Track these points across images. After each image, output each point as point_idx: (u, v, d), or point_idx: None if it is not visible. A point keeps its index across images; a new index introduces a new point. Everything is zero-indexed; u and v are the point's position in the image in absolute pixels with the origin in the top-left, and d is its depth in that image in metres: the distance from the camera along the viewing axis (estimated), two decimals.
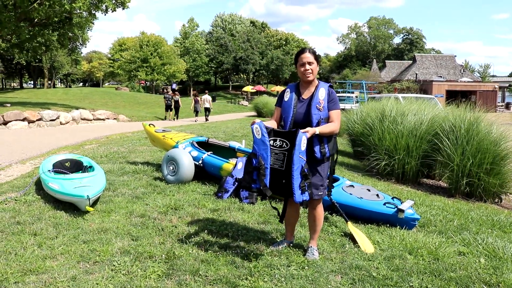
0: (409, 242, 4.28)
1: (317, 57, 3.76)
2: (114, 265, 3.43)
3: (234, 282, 3.19)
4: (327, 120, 3.65)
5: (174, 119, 26.06)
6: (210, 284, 3.17)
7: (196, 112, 26.15)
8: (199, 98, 26.40)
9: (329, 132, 3.61)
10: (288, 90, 3.83)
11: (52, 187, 5.07)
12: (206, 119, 25.53)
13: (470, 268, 3.71)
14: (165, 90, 33.34)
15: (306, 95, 3.74)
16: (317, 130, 3.53)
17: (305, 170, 3.41)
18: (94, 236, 4.07)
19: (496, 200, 7.64)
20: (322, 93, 3.68)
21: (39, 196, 5.48)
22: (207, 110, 25.98)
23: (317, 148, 3.63)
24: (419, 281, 3.38)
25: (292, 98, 3.74)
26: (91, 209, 4.69)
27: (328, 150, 3.67)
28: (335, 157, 3.85)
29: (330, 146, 3.69)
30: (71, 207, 4.94)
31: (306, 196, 3.42)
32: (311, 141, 3.59)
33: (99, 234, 4.15)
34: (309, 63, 3.67)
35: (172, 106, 26.15)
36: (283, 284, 3.20)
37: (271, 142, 3.50)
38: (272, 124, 3.75)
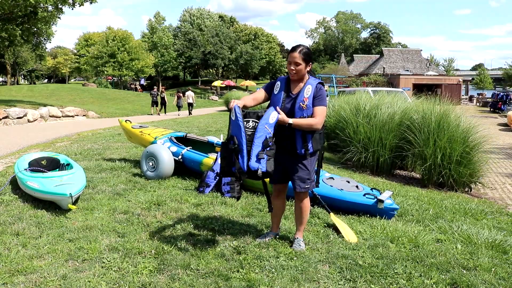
0: (389, 231, 4.42)
1: (307, 59, 3.65)
2: (104, 262, 3.41)
3: (226, 274, 3.23)
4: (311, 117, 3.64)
5: (160, 114, 27.98)
6: (202, 277, 3.21)
7: (179, 107, 28.58)
8: (181, 94, 29.06)
9: (306, 125, 3.57)
10: (278, 83, 3.80)
11: (31, 186, 4.97)
12: (190, 113, 27.72)
13: (448, 254, 3.87)
14: (134, 85, 35.62)
15: (295, 90, 3.73)
16: (291, 120, 3.53)
17: (269, 142, 3.36)
18: (80, 234, 4.02)
19: (466, 189, 7.94)
20: (308, 90, 3.65)
21: (16, 196, 5.36)
22: (190, 105, 28.22)
23: (299, 145, 3.65)
24: (403, 268, 3.50)
25: (282, 93, 3.73)
26: (74, 207, 4.62)
27: (312, 147, 3.68)
28: (322, 152, 3.93)
29: (314, 142, 3.68)
30: (51, 206, 4.86)
31: (262, 167, 3.33)
32: (293, 137, 3.63)
33: (84, 232, 4.10)
34: (296, 64, 3.61)
35: (159, 102, 28.05)
36: (274, 275, 3.27)
37: (245, 123, 3.45)
38: (247, 100, 3.73)
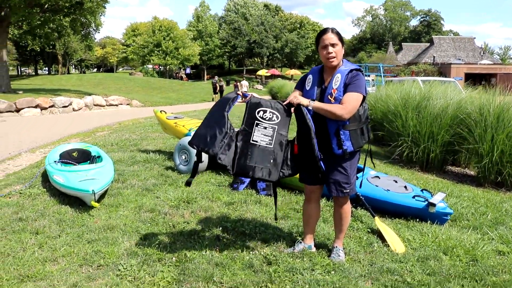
0: (442, 239, 3.90)
1: (341, 38, 3.18)
2: (119, 270, 3.10)
3: None
4: None
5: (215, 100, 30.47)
6: None
7: None
8: (238, 84, 31.34)
9: (328, 112, 3.02)
10: (310, 76, 3.30)
11: (57, 180, 4.76)
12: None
13: None
14: (179, 74, 39.18)
15: (328, 81, 3.20)
16: (312, 104, 3.05)
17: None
18: (100, 235, 3.75)
19: None
20: (337, 80, 3.11)
21: (45, 189, 5.18)
22: None
23: (334, 143, 3.12)
24: None
25: (315, 87, 3.22)
26: (96, 204, 4.35)
27: (351, 145, 3.12)
28: (369, 148, 3.45)
29: (354, 139, 3.13)
30: (76, 202, 4.64)
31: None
32: (327, 134, 3.12)
33: (105, 232, 3.83)
34: (332, 45, 3.11)
35: (217, 90, 30.26)
36: None
37: (261, 113, 3.08)
38: None
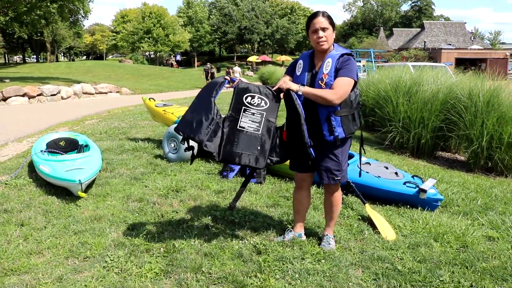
0: (433, 226, 3.89)
1: (332, 22, 3.10)
2: (106, 262, 3.04)
3: (241, 281, 2.79)
4: None
5: None
6: (214, 284, 2.79)
7: None
8: (230, 70, 31.39)
9: (318, 97, 2.95)
10: (300, 61, 3.22)
11: (43, 170, 4.67)
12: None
13: (503, 257, 3.32)
14: (169, 61, 38.98)
15: (318, 66, 3.12)
16: (301, 90, 2.98)
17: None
18: (87, 226, 3.68)
19: None
20: (328, 65, 3.03)
21: (31, 179, 5.09)
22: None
23: (325, 129, 3.05)
24: (450, 274, 2.98)
25: (305, 72, 3.14)
26: (83, 194, 4.27)
27: (343, 131, 3.06)
28: (361, 134, 3.41)
29: (346, 125, 3.06)
30: (64, 191, 4.55)
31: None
32: (318, 120, 3.05)
33: (92, 223, 3.76)
34: (323, 29, 3.03)
35: (209, 77, 30.23)
36: (298, 282, 2.81)
37: (249, 99, 3.01)
38: None
